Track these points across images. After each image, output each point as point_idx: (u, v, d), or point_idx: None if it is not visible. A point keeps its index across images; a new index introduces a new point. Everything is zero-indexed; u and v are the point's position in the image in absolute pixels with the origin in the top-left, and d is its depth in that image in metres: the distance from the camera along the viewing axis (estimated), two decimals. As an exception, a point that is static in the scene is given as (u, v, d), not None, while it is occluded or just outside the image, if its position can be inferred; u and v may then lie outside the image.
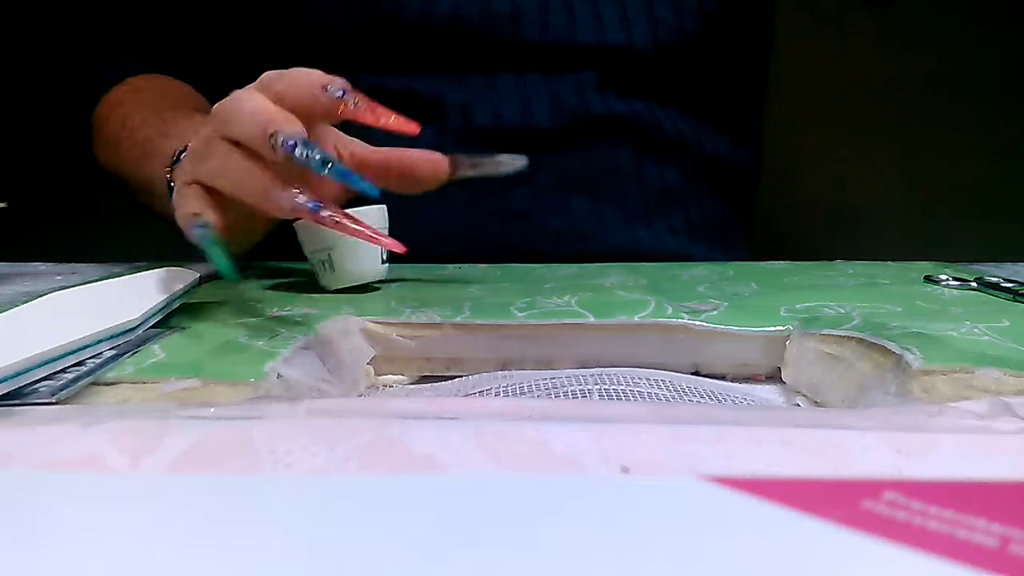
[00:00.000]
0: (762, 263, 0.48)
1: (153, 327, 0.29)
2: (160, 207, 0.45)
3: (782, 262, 0.48)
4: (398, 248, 0.30)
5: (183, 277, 0.33)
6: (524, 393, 0.27)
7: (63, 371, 0.23)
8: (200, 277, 0.34)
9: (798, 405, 0.28)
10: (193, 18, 0.57)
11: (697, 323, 0.30)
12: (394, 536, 0.12)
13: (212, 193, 0.32)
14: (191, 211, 0.32)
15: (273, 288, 0.39)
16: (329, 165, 0.29)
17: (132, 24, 0.58)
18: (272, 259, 0.51)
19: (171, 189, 0.39)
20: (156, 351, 0.26)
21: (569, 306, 0.32)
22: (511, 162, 0.37)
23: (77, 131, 0.58)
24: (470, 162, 0.37)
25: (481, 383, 0.29)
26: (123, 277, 0.32)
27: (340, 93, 0.31)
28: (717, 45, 0.56)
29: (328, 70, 0.33)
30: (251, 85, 0.33)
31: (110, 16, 0.58)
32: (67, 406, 0.20)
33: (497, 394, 0.27)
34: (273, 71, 0.32)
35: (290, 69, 0.32)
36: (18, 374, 0.21)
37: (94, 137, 0.57)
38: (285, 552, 0.12)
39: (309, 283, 0.40)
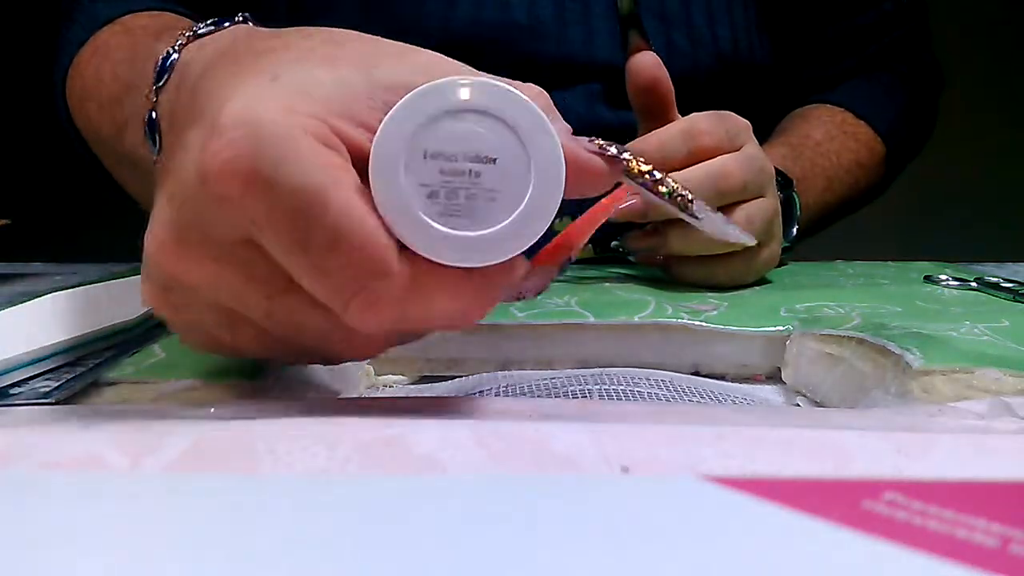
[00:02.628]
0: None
1: (156, 327, 0.28)
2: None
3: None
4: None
5: None
6: (524, 393, 0.27)
7: (63, 371, 0.23)
8: None
9: (798, 405, 0.28)
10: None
11: (697, 323, 0.30)
12: (394, 536, 0.12)
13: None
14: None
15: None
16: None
17: None
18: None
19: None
20: (156, 351, 0.26)
21: (569, 306, 0.32)
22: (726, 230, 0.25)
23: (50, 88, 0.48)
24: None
25: (481, 383, 0.29)
26: (126, 278, 0.32)
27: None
28: (728, 83, 0.56)
29: None
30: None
31: None
32: (67, 406, 0.20)
33: (497, 394, 0.27)
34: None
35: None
36: (10, 370, 0.21)
37: (68, 96, 0.46)
38: (285, 552, 0.12)
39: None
